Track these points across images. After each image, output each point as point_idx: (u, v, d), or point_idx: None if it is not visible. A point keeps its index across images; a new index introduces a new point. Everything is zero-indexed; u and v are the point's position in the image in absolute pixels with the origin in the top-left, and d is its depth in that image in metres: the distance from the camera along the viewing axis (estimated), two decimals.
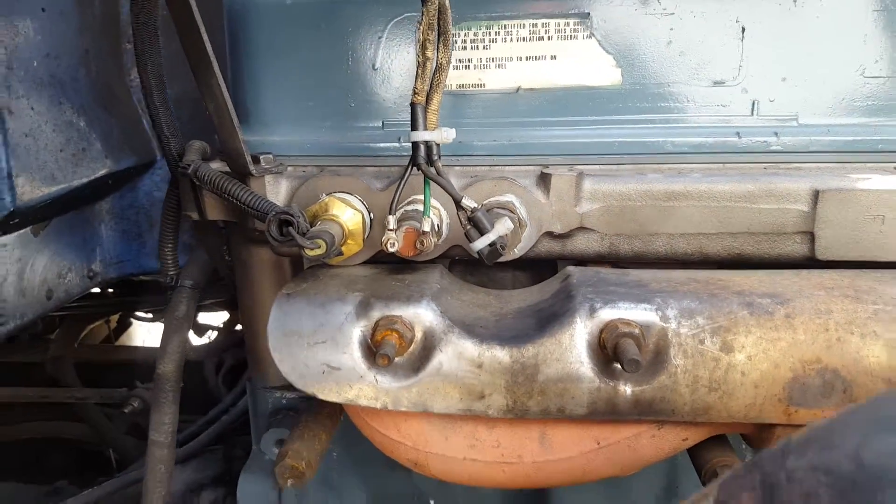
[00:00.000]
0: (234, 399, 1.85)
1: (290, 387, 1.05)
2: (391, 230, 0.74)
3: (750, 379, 0.69)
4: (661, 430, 0.74)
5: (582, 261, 0.88)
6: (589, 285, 0.76)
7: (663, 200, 0.81)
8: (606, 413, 0.72)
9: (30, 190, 1.02)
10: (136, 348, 2.44)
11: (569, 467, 0.76)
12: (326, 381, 0.74)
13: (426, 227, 0.74)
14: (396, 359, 0.74)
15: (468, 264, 0.94)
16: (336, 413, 0.94)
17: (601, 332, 0.71)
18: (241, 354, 2.21)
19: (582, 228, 0.83)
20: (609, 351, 0.70)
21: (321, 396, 0.74)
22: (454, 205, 0.74)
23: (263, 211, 0.77)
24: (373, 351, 0.74)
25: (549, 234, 0.83)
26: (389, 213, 0.74)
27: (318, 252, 0.73)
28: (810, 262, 0.81)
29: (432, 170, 0.72)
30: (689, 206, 0.81)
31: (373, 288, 0.78)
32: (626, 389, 0.71)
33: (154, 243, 1.61)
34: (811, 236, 0.80)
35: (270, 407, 1.09)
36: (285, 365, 0.74)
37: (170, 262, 1.02)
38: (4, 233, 1.01)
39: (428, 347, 0.74)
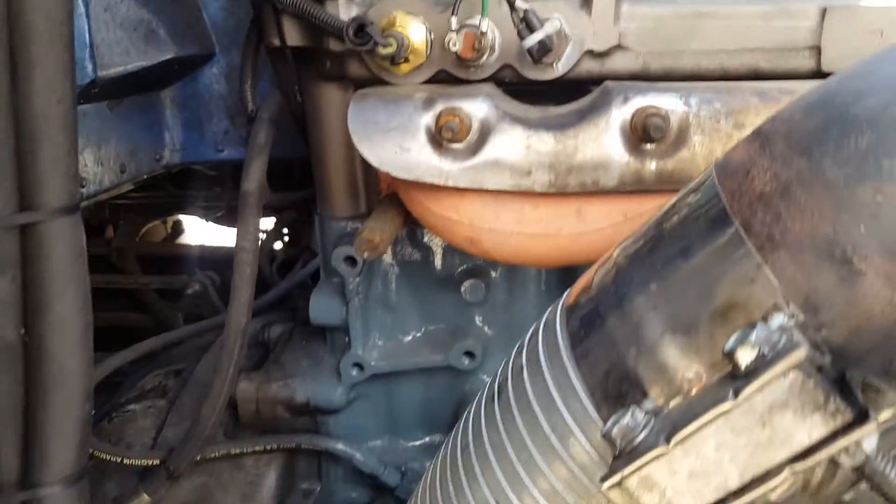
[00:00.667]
0: (288, 285, 2.02)
1: (354, 216, 1.22)
2: (453, 30, 0.87)
3: None
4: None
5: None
6: (623, 87, 0.89)
7: (691, 19, 0.93)
8: (634, 184, 0.86)
9: (108, 62, 1.15)
10: (193, 245, 2.62)
11: (600, 239, 0.90)
12: (399, 161, 0.89)
13: (484, 27, 0.87)
14: (455, 144, 0.88)
15: (515, 93, 1.08)
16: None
17: (632, 116, 0.84)
18: (291, 251, 2.39)
19: (619, 47, 0.95)
20: (639, 130, 0.83)
21: (394, 174, 0.89)
22: (508, 14, 0.87)
23: (340, 26, 0.91)
24: (437, 138, 0.88)
25: (590, 53, 0.96)
26: (452, 14, 0.87)
27: (391, 50, 0.87)
28: (818, 75, 0.93)
29: None
30: (713, 24, 0.93)
31: (435, 91, 0.92)
32: (652, 164, 0.85)
33: (213, 135, 1.77)
34: (818, 50, 0.91)
35: (335, 236, 1.24)
36: (365, 148, 0.89)
37: (249, 97, 1.16)
38: (86, 101, 1.14)
39: (484, 134, 0.88)
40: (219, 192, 2.25)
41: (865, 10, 0.89)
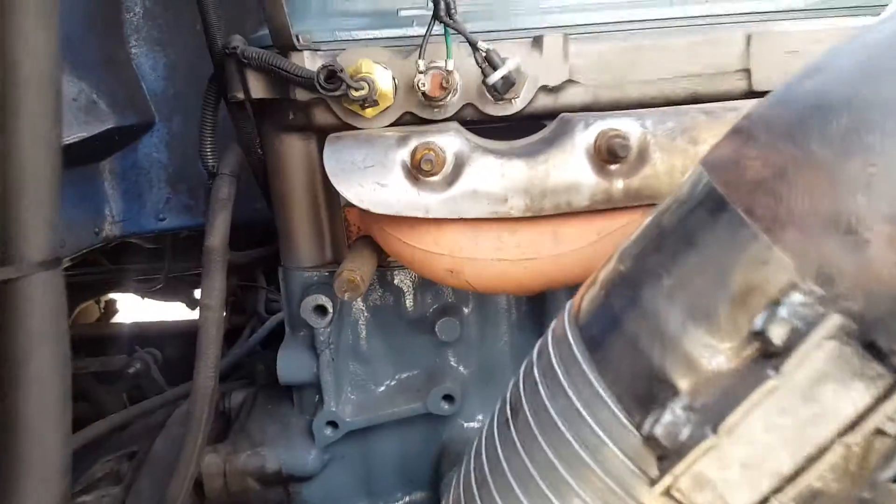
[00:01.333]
0: (240, 352, 1.96)
1: (320, 266, 1.22)
2: (421, 72, 0.91)
3: None
4: (645, 215, 0.93)
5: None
6: (581, 115, 0.95)
7: (632, 52, 1.01)
8: (604, 202, 0.91)
9: None
10: (130, 323, 2.50)
11: (578, 258, 0.94)
12: (378, 197, 0.90)
13: (450, 67, 0.91)
14: (432, 178, 0.91)
15: (477, 132, 1.12)
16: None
17: (595, 139, 0.90)
18: (236, 320, 2.32)
19: (570, 81, 1.02)
20: (603, 152, 0.89)
21: (374, 210, 0.90)
22: (467, 58, 0.92)
23: (308, 76, 0.94)
24: (413, 173, 0.91)
25: (544, 88, 1.02)
26: (419, 57, 0.91)
27: (363, 93, 0.90)
28: (751, 94, 1.02)
29: (452, 21, 0.90)
30: (651, 56, 1.01)
31: (406, 130, 0.95)
32: (619, 183, 0.90)
33: (153, 204, 1.74)
34: (748, 72, 1.01)
35: (301, 287, 1.23)
36: (343, 187, 0.90)
37: (209, 153, 1.16)
38: None
39: (458, 165, 0.91)
40: (157, 264, 2.18)
41: (783, 34, 1.00)
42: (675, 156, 0.89)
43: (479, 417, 1.32)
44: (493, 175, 0.90)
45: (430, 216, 0.90)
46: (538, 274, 0.95)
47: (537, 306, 1.25)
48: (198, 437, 1.11)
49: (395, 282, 1.22)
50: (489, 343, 1.28)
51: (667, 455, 0.51)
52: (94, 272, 2.18)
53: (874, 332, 0.46)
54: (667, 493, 0.51)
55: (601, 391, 0.58)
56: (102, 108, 1.47)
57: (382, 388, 1.29)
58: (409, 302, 1.23)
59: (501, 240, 0.93)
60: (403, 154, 0.91)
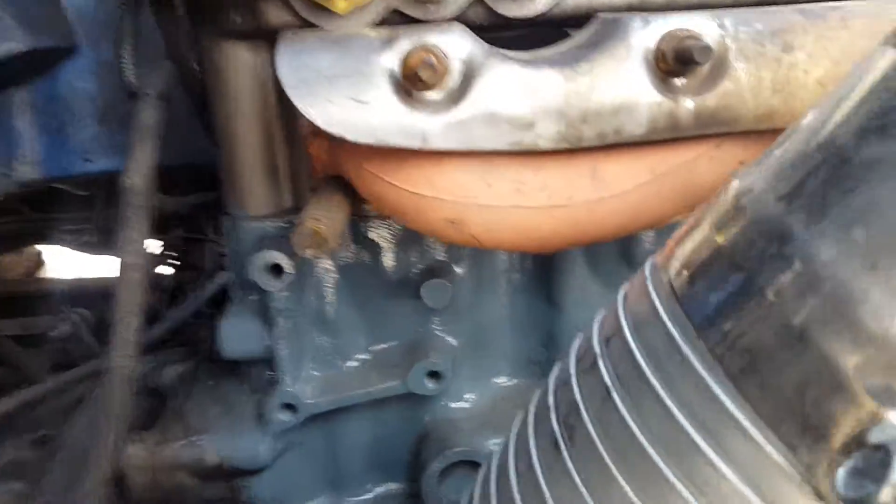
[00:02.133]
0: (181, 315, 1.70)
1: (276, 214, 0.96)
2: None
3: (812, 77, 0.65)
4: (719, 149, 0.70)
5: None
6: (630, 15, 0.70)
7: None
8: (667, 130, 0.67)
9: None
10: (60, 280, 2.21)
11: (622, 205, 0.71)
12: (356, 120, 0.65)
13: None
14: (431, 93, 0.66)
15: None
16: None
17: (658, 43, 0.65)
18: (180, 277, 2.05)
19: None
20: (669, 59, 0.64)
21: (350, 137, 0.65)
22: None
23: None
24: (405, 86, 0.65)
25: None
26: None
27: None
28: None
29: None
30: None
31: (393, 29, 0.69)
32: (688, 102, 0.66)
33: (78, 143, 1.44)
34: None
35: (251, 241, 0.97)
36: (306, 104, 0.64)
37: (129, 65, 0.88)
38: None
39: (468, 77, 0.66)
40: (89, 213, 1.90)
41: None
42: (764, 66, 0.65)
43: (468, 397, 1.10)
44: (517, 90, 0.65)
45: (429, 147, 0.65)
46: (568, 226, 0.71)
47: (545, 262, 1.02)
48: (113, 429, 0.87)
49: (372, 235, 0.97)
50: (484, 309, 1.05)
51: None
52: (11, 221, 1.89)
53: None
54: None
55: (735, 410, 0.35)
56: (9, 26, 1.16)
57: (352, 364, 1.05)
58: (388, 260, 0.99)
59: (522, 180, 0.69)
60: (391, 60, 0.65)
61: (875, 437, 0.30)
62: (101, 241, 2.01)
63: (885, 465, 0.30)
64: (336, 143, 0.78)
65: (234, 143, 0.94)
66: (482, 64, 0.65)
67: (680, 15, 0.67)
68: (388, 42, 0.66)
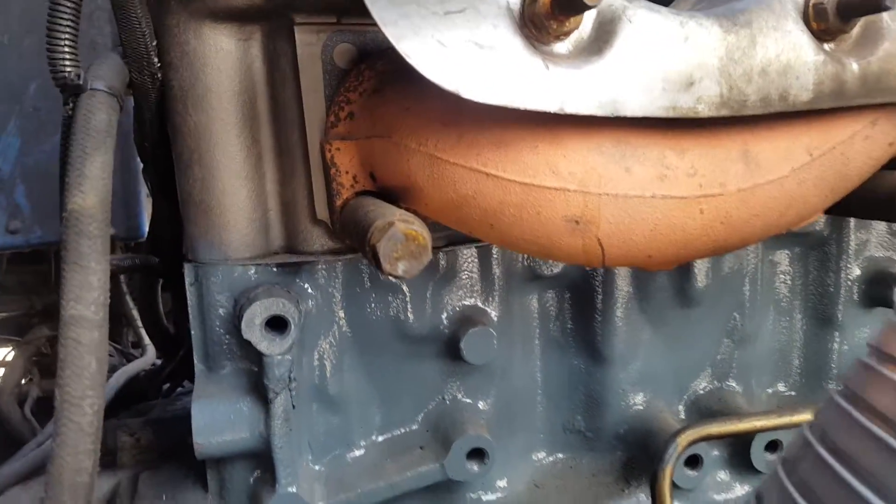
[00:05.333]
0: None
1: (263, 255, 0.73)
2: None
3: None
4: (874, 127, 0.59)
5: None
6: None
7: None
8: (833, 97, 0.55)
9: None
10: None
11: (777, 194, 0.57)
12: (478, 68, 0.47)
13: None
14: (559, 44, 0.50)
15: None
16: None
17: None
18: (49, 385, 1.64)
19: None
20: (829, 13, 0.54)
21: (467, 95, 0.46)
22: None
23: None
24: (529, 32, 0.48)
25: None
26: None
27: None
28: None
29: None
30: None
31: None
32: (852, 63, 0.55)
33: None
34: None
35: (230, 291, 0.73)
36: (406, 43, 0.45)
37: (67, 57, 0.64)
38: None
39: (605, 23, 0.50)
40: None
41: None
42: None
43: (501, 484, 0.88)
44: (671, 41, 0.51)
45: (567, 111, 0.48)
46: (718, 221, 0.56)
47: (585, 307, 0.86)
48: None
49: (389, 274, 0.76)
50: (516, 365, 0.86)
51: None
52: None
53: None
54: None
55: None
56: None
57: (360, 452, 0.81)
58: (412, 307, 0.78)
59: (667, 164, 0.54)
60: None
61: None
62: None
63: None
64: (385, 136, 0.59)
65: (210, 159, 0.71)
66: (624, 10, 0.50)
67: None
68: None
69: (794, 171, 0.57)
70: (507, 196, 0.54)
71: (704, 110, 0.52)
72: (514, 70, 0.47)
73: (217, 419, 0.72)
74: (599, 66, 0.50)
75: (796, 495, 0.36)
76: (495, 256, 0.81)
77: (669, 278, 0.86)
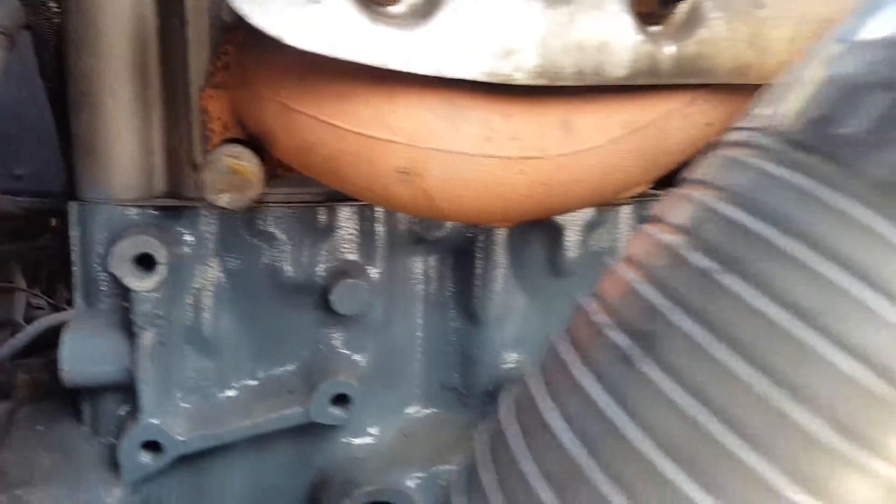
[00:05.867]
0: None
1: (145, 198, 0.77)
2: None
3: (781, 34, 0.64)
4: (691, 106, 0.65)
5: None
6: None
7: None
8: (647, 75, 0.60)
9: None
10: None
11: (594, 162, 0.62)
12: (300, 18, 0.51)
13: None
14: (392, 7, 0.54)
15: None
16: None
17: None
18: None
19: None
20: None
21: (290, 40, 0.51)
22: None
23: None
24: None
25: None
26: None
27: None
28: None
29: None
30: None
31: None
32: (669, 47, 0.61)
33: None
34: None
35: (109, 229, 0.77)
36: (248, 3, 0.50)
37: None
38: None
39: None
40: None
41: None
42: (737, 18, 0.62)
43: (373, 431, 0.93)
44: (495, 11, 0.56)
45: (390, 66, 0.53)
46: (538, 184, 0.61)
47: (466, 272, 0.91)
48: None
49: (271, 227, 0.81)
50: (397, 323, 0.91)
51: None
52: None
53: None
54: None
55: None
56: None
57: (234, 393, 0.85)
58: (289, 258, 0.82)
59: (492, 126, 0.59)
60: None
61: None
62: None
63: None
64: (249, 86, 0.63)
65: (98, 105, 0.75)
66: None
67: None
68: None
69: (609, 142, 0.62)
70: (344, 145, 0.59)
71: (522, 77, 0.57)
72: (338, 22, 0.52)
73: (86, 351, 0.76)
74: (427, 29, 0.54)
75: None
76: (378, 217, 0.86)
77: (543, 249, 0.91)
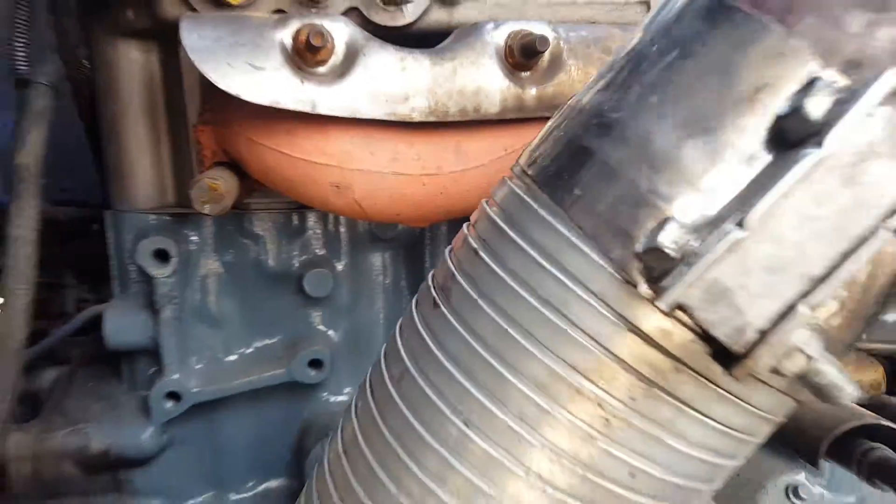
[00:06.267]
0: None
1: (160, 207, 1.01)
2: None
3: None
4: None
5: None
6: (489, 20, 0.85)
7: None
8: (515, 110, 0.81)
9: None
10: None
11: (481, 177, 0.83)
12: (252, 82, 0.73)
13: None
14: (319, 67, 0.76)
15: None
16: None
17: (507, 40, 0.81)
18: (42, 324, 1.94)
19: None
20: (516, 53, 0.80)
21: (244, 96, 0.73)
22: None
23: None
24: (296, 60, 0.75)
25: (440, 1, 0.91)
26: None
27: None
28: None
29: None
30: None
31: (286, 15, 0.79)
32: (532, 90, 0.81)
33: None
34: (647, 5, 0.98)
35: (135, 232, 1.00)
36: (207, 67, 0.72)
37: (21, 55, 0.92)
38: None
39: (351, 56, 0.77)
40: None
41: None
42: (591, 64, 0.82)
43: (347, 391, 1.15)
44: (393, 69, 0.77)
45: (318, 111, 0.75)
46: (437, 194, 0.82)
47: (417, 273, 1.13)
48: (12, 356, 0.85)
49: (256, 228, 1.04)
50: (362, 307, 1.13)
51: (670, 270, 0.41)
52: None
53: None
54: (672, 310, 0.41)
55: (567, 232, 0.47)
56: None
57: (235, 358, 1.08)
58: (271, 252, 1.05)
59: (398, 150, 0.80)
60: (284, 35, 0.75)
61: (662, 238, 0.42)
62: None
63: (668, 259, 0.42)
64: (226, 125, 0.86)
65: (123, 139, 0.98)
66: (364, 46, 0.77)
67: (524, 22, 0.83)
68: (282, 21, 0.76)
69: (492, 161, 0.83)
70: (293, 168, 0.81)
71: (417, 116, 0.78)
72: (278, 83, 0.74)
73: (122, 324, 1.00)
74: (344, 85, 0.76)
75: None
76: (341, 220, 1.08)
77: None
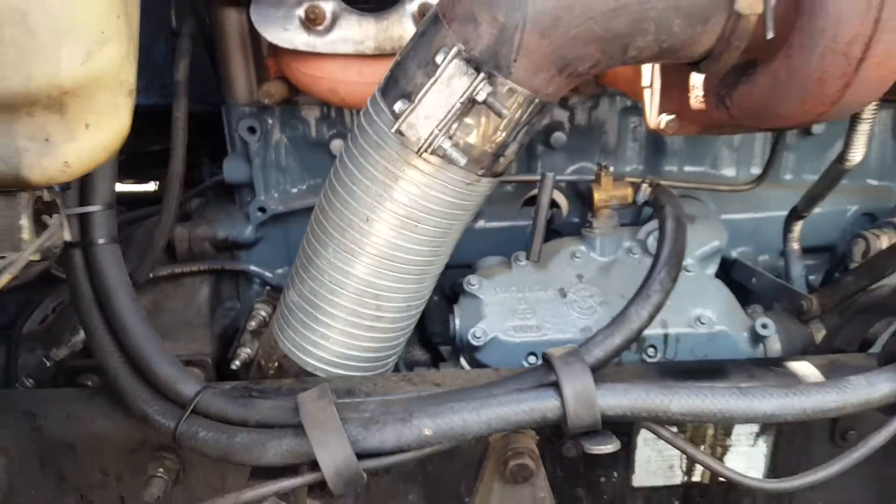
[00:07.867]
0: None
1: (250, 103, 1.79)
2: None
3: None
4: None
5: None
6: None
7: None
8: None
9: None
10: None
11: None
12: (284, 37, 1.47)
13: None
14: (317, 27, 1.48)
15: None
16: None
17: (419, 7, 1.48)
18: None
19: None
20: (418, 16, 1.48)
21: (281, 45, 1.48)
22: None
23: None
24: (305, 23, 1.48)
25: None
26: None
27: None
28: None
29: None
30: None
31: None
32: None
33: None
34: None
35: (238, 116, 1.80)
36: (263, 29, 1.47)
37: (173, 17, 1.70)
38: None
39: (334, 20, 1.49)
40: None
41: None
42: None
43: None
44: (355, 26, 1.48)
45: (317, 51, 1.48)
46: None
47: None
48: (170, 211, 1.68)
49: (303, 114, 1.80)
50: None
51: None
52: None
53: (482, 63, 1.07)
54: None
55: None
56: None
57: (296, 190, 1.88)
58: (312, 130, 1.82)
59: (361, 69, 1.52)
60: (300, 11, 1.47)
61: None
62: None
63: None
64: (278, 55, 1.60)
65: (229, 62, 1.76)
66: (340, 14, 1.47)
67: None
68: (298, 2, 1.48)
69: None
70: (306, 80, 1.55)
71: (369, 52, 1.49)
72: (296, 37, 1.47)
73: (233, 167, 1.82)
74: (329, 35, 1.48)
75: None
76: (353, 111, 1.82)
77: None
